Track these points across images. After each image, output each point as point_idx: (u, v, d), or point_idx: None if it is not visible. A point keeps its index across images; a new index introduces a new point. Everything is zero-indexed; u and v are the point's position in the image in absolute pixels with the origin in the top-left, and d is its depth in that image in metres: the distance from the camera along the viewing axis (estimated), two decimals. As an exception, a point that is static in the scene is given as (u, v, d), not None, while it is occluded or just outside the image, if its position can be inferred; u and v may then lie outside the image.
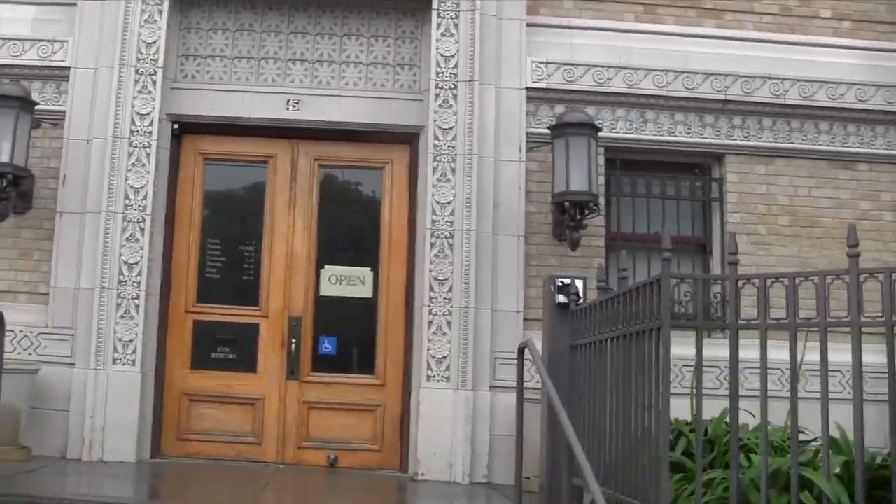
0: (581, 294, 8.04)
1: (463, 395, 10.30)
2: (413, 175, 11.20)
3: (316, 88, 11.31)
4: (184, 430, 10.82)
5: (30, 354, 10.43)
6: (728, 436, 6.84)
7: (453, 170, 10.69)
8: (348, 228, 11.41)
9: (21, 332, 10.45)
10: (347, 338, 11.14)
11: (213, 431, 10.80)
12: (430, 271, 10.53)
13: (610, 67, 11.34)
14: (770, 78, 11.38)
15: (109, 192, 10.54)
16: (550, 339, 8.19)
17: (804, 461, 6.81)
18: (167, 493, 9.74)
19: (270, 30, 11.46)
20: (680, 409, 7.41)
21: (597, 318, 7.42)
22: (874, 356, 5.25)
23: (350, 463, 10.75)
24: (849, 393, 6.55)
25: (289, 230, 11.17)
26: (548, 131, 10.71)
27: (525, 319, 10.61)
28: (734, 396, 5.84)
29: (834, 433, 7.28)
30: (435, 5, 11.08)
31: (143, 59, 10.79)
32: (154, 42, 10.84)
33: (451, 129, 10.79)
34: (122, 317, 10.34)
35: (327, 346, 11.01)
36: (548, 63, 11.28)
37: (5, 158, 10.15)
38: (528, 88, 11.18)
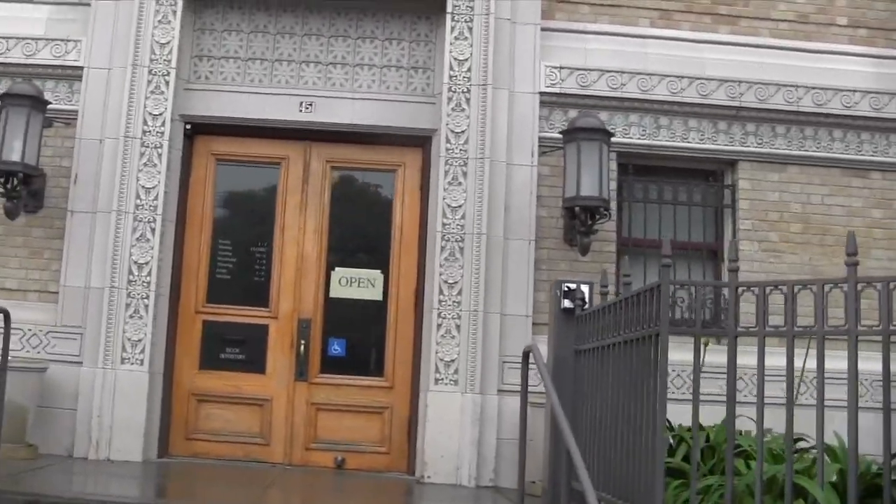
0: (586, 299, 8.02)
1: (471, 399, 10.28)
2: (425, 178, 11.18)
3: (329, 90, 11.30)
4: (191, 430, 10.83)
5: (39, 353, 10.46)
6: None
7: (465, 173, 10.67)
8: (359, 231, 11.40)
9: (30, 330, 10.50)
10: (356, 340, 11.13)
11: (220, 432, 10.82)
12: (440, 274, 10.51)
13: (624, 73, 11.30)
14: (784, 85, 11.33)
15: (120, 192, 10.56)
16: (555, 343, 8.18)
17: (802, 469, 6.80)
18: (173, 492, 9.74)
19: (284, 31, 11.47)
20: (685, 416, 7.37)
21: (600, 324, 7.40)
22: (877, 364, 5.20)
23: (357, 465, 10.75)
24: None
25: (300, 232, 11.17)
26: (560, 136, 10.66)
27: (534, 324, 10.57)
28: (731, 403, 5.80)
29: (834, 441, 7.27)
30: (449, 9, 11.04)
31: (157, 60, 10.81)
32: (167, 43, 10.86)
33: (463, 132, 10.77)
34: (131, 316, 10.35)
35: (336, 348, 11.01)
36: (561, 68, 11.25)
37: (16, 157, 10.20)
38: (541, 93, 11.16)
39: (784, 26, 11.78)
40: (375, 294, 11.12)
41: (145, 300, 10.42)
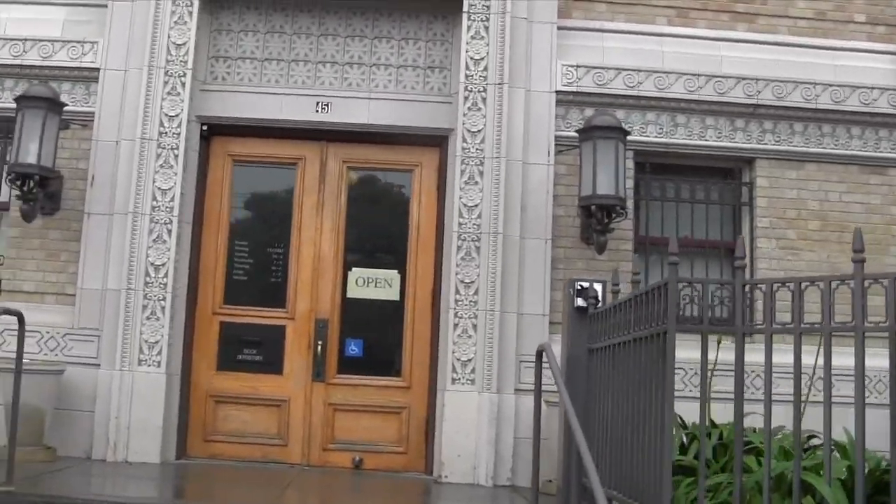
0: (599, 297, 7.99)
1: (487, 398, 10.27)
2: (441, 178, 11.18)
3: (346, 91, 11.30)
4: (209, 432, 10.84)
5: (56, 355, 10.49)
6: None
7: (481, 173, 10.65)
8: (376, 231, 11.40)
9: (48, 332, 10.54)
10: (373, 340, 11.13)
11: (238, 433, 10.83)
12: (457, 274, 10.50)
13: (641, 71, 11.27)
14: (802, 82, 11.28)
15: (137, 194, 10.57)
16: (569, 342, 8.14)
17: (812, 466, 6.77)
18: (192, 493, 9.77)
19: (301, 32, 11.47)
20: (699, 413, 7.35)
21: (611, 322, 7.38)
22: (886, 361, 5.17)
23: (375, 465, 10.74)
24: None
25: (316, 232, 11.17)
26: (577, 135, 10.63)
27: (551, 322, 10.56)
28: (739, 400, 5.78)
29: (844, 438, 7.26)
30: (465, 8, 11.02)
31: (173, 61, 10.82)
32: (184, 44, 10.87)
33: (479, 131, 10.75)
34: (147, 318, 10.37)
35: (353, 348, 11.01)
36: (578, 66, 11.22)
37: (32, 159, 10.22)
38: (557, 92, 11.13)
39: (802, 23, 11.73)
40: (392, 294, 11.12)
41: (162, 302, 10.43)
